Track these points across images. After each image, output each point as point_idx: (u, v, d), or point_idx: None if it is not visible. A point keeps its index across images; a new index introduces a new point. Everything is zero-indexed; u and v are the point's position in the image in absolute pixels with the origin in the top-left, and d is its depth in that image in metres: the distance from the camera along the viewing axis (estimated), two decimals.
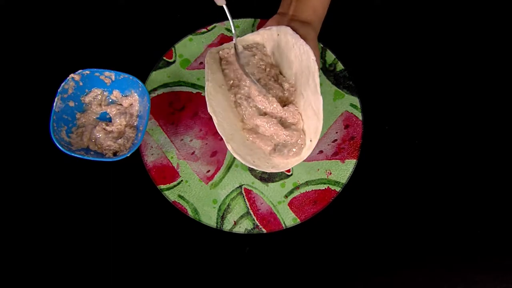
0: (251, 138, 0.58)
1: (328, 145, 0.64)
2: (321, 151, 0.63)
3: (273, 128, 0.56)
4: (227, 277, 0.59)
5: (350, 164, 0.62)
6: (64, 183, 0.62)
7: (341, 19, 0.70)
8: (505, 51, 0.69)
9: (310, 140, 0.55)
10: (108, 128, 0.61)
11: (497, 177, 0.63)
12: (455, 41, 0.70)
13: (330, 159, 0.63)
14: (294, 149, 0.56)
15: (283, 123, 0.57)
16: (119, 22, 0.71)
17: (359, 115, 0.65)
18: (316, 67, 0.54)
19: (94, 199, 0.61)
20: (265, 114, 0.58)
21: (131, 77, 0.61)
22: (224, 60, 0.61)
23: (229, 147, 0.55)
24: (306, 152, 0.55)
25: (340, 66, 0.67)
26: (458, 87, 0.67)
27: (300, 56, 0.56)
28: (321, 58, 0.68)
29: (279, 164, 0.56)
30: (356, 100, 0.65)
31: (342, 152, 0.63)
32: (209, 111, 0.56)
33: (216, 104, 0.57)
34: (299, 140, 0.56)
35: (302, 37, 0.55)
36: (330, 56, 0.68)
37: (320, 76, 0.67)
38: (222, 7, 0.55)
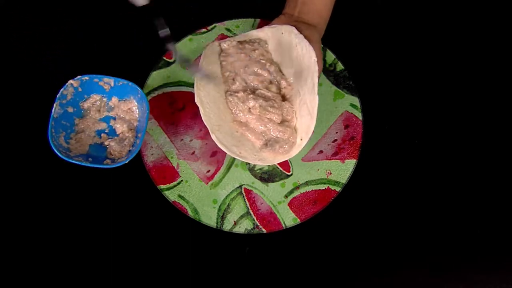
0: (240, 131, 0.57)
1: (328, 145, 0.64)
2: (321, 151, 0.63)
3: (266, 127, 0.56)
4: (227, 277, 0.59)
5: (350, 164, 0.62)
6: (64, 182, 0.62)
7: (341, 19, 0.70)
8: (505, 51, 0.69)
9: (301, 139, 0.55)
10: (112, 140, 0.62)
11: (497, 177, 0.63)
12: (455, 41, 0.70)
13: (330, 159, 0.63)
14: (285, 146, 0.56)
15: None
16: (119, 22, 0.71)
17: (359, 115, 0.65)
18: (317, 67, 0.54)
19: (94, 199, 0.61)
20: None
21: (130, 83, 0.61)
22: (224, 52, 0.61)
23: (213, 137, 0.55)
24: (295, 150, 0.55)
25: (340, 66, 0.67)
26: (458, 87, 0.67)
27: (302, 56, 0.56)
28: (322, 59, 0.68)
29: (267, 158, 0.56)
30: (356, 100, 0.65)
31: (342, 152, 0.63)
32: (196, 101, 0.56)
33: (205, 95, 0.57)
34: (291, 137, 0.56)
35: (306, 38, 0.55)
36: (330, 56, 0.68)
37: (320, 76, 0.67)
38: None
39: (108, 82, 0.61)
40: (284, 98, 0.59)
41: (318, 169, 0.62)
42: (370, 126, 0.64)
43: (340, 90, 0.66)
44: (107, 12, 0.72)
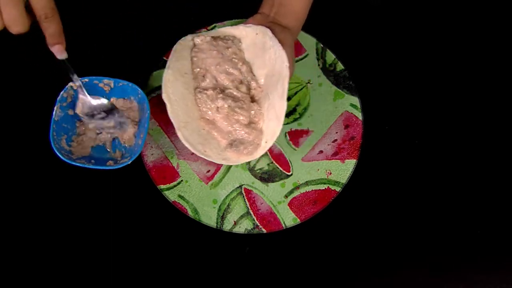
0: (207, 128, 0.57)
1: (328, 145, 0.64)
2: (321, 151, 0.63)
3: (232, 127, 0.56)
4: (227, 277, 0.59)
5: (350, 164, 0.62)
6: (64, 182, 0.62)
7: (341, 19, 0.70)
8: (505, 51, 0.69)
9: (266, 142, 0.55)
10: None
11: (497, 177, 0.63)
12: (455, 41, 0.70)
13: (330, 159, 0.63)
14: (249, 147, 0.55)
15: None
16: (119, 22, 0.71)
17: (359, 115, 0.65)
18: (288, 73, 0.53)
19: (94, 199, 0.61)
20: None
21: (130, 84, 0.60)
22: (197, 47, 0.60)
23: (179, 134, 0.55)
24: (259, 152, 0.55)
25: (340, 66, 0.67)
26: (458, 87, 0.67)
27: (274, 60, 0.56)
28: (321, 58, 0.68)
29: (231, 158, 0.56)
30: (356, 100, 0.65)
31: (342, 152, 0.63)
32: (163, 97, 0.56)
33: (173, 92, 0.57)
34: (256, 139, 0.56)
35: (280, 41, 0.55)
36: (330, 56, 0.68)
37: (320, 76, 0.67)
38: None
39: (108, 83, 0.61)
40: (252, 99, 0.58)
41: (318, 169, 0.62)
42: (370, 126, 0.64)
43: (340, 90, 0.66)
44: (107, 12, 0.72)
